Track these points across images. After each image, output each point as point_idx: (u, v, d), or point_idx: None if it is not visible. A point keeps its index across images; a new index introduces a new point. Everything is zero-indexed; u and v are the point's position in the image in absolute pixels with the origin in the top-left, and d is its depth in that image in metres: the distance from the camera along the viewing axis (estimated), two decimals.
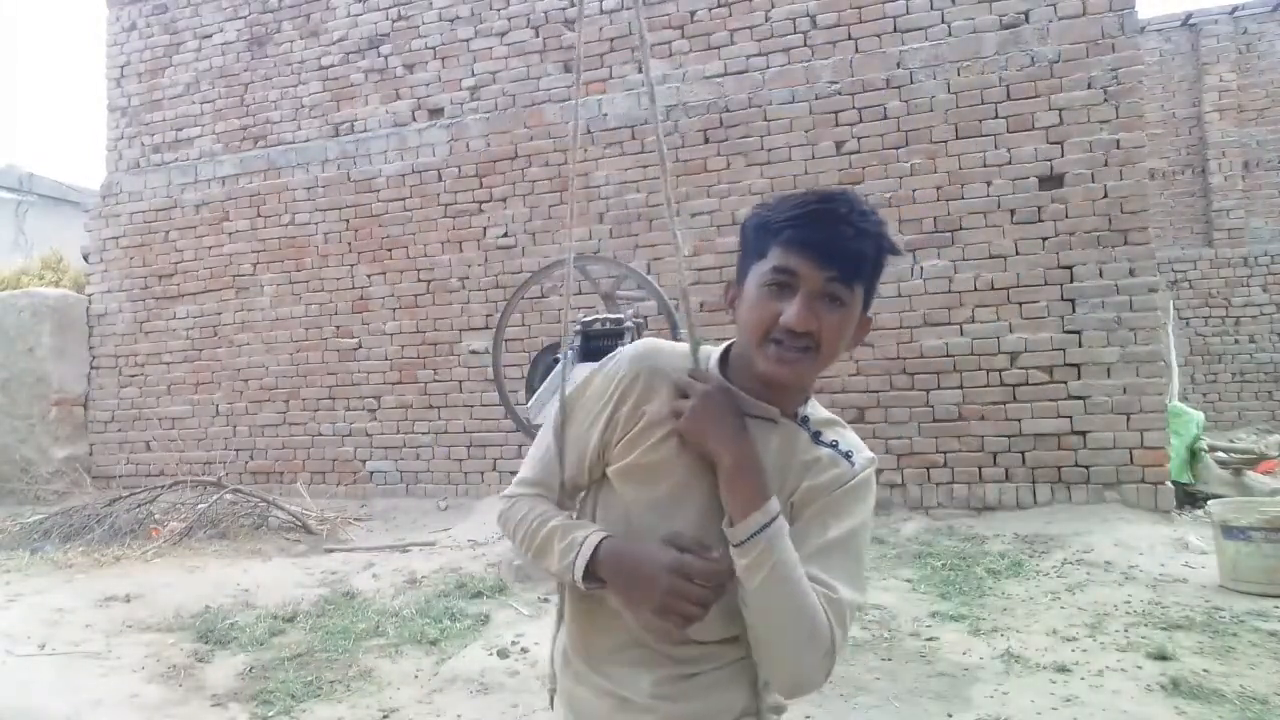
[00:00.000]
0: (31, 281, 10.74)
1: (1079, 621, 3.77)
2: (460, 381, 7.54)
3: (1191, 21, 11.55)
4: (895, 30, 6.52)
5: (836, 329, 1.11)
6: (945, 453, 6.15)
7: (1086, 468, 5.84)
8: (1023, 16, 6.21)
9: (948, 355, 6.19)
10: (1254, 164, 11.36)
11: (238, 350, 8.35)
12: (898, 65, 6.43)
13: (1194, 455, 6.34)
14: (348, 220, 8.04)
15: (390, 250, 7.87)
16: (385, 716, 3.19)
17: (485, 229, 7.53)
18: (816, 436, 1.18)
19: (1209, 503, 4.80)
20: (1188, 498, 6.01)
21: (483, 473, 7.37)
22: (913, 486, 6.20)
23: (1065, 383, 5.94)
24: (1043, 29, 6.13)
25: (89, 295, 9.05)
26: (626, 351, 1.23)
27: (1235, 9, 11.41)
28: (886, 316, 6.35)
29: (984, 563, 4.75)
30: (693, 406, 1.12)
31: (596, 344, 4.57)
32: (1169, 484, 5.73)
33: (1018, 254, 6.09)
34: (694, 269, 6.70)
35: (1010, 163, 6.14)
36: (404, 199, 7.85)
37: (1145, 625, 3.69)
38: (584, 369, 1.31)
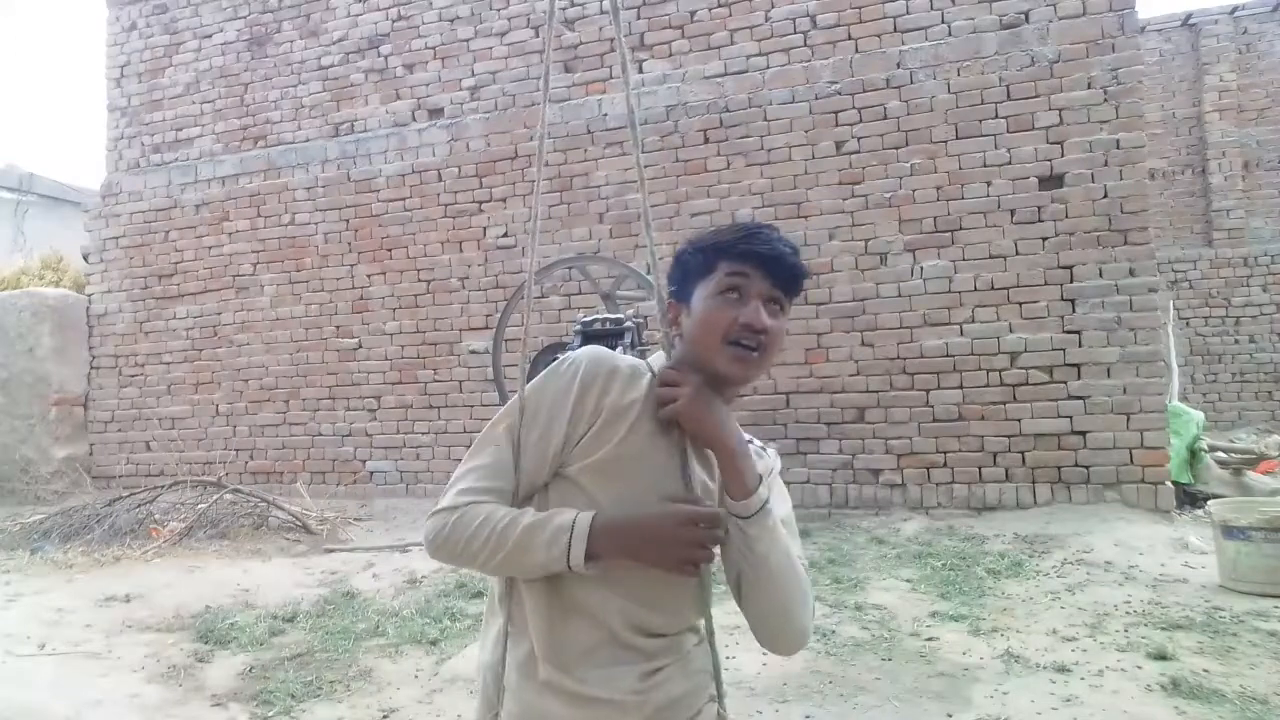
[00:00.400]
0: (31, 281, 10.74)
1: (1079, 621, 3.77)
2: (460, 381, 7.54)
3: (1191, 21, 11.55)
4: (895, 30, 6.52)
5: (779, 333, 1.24)
6: (945, 453, 6.15)
7: (1086, 468, 5.84)
8: (1023, 16, 6.21)
9: (948, 355, 6.19)
10: (1254, 164, 11.36)
11: (238, 350, 8.35)
12: (898, 65, 6.43)
13: (1194, 455, 6.34)
14: (348, 220, 8.04)
15: (390, 250, 7.87)
16: (385, 716, 3.19)
17: (485, 229, 7.53)
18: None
19: (1209, 503, 4.80)
20: (1188, 498, 6.01)
21: None
22: (913, 486, 6.20)
23: (1065, 383, 5.94)
24: (1043, 29, 6.13)
25: (89, 295, 9.05)
26: (579, 352, 1.27)
27: (1235, 9, 11.40)
28: (886, 317, 6.35)
29: (984, 563, 4.75)
30: (690, 394, 1.19)
31: (596, 344, 4.57)
32: (1169, 484, 5.73)
33: (1018, 254, 6.09)
34: None
35: (1010, 163, 6.14)
36: (404, 199, 7.85)
37: (1145, 625, 3.69)
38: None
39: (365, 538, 6.52)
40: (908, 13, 6.49)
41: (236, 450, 8.31)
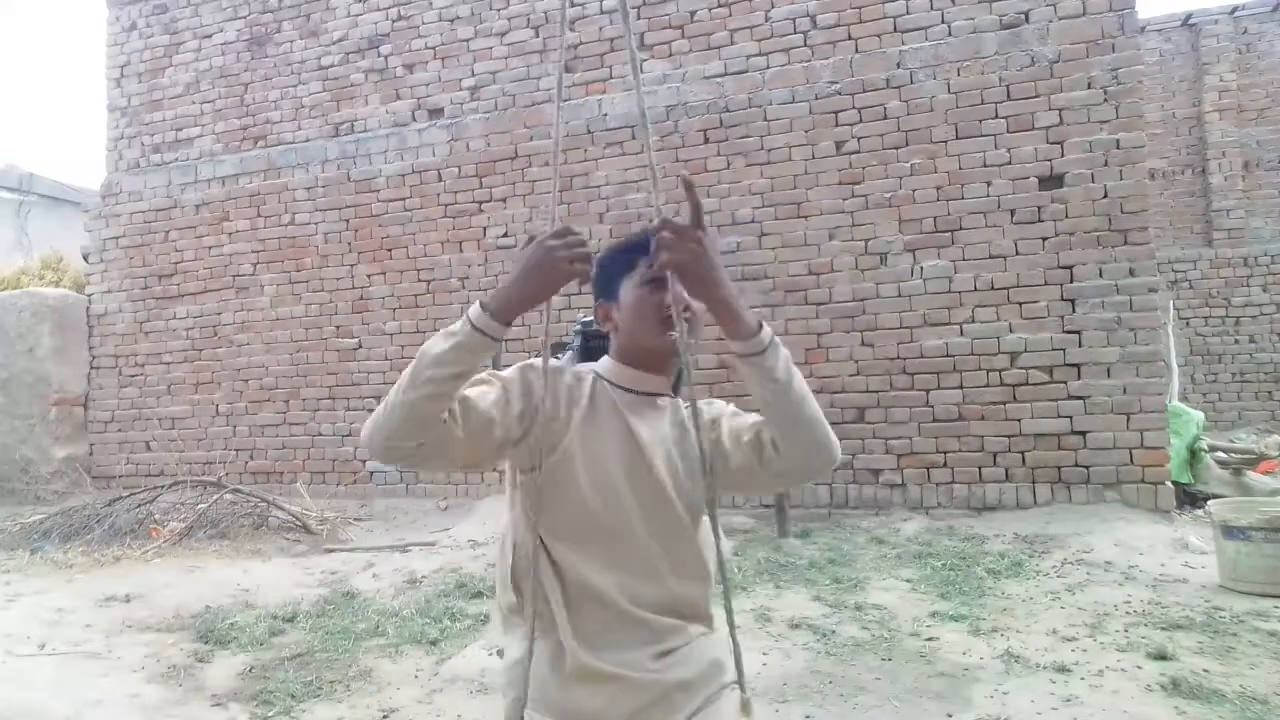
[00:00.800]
0: (31, 281, 10.74)
1: (1079, 621, 3.77)
2: None
3: (1191, 21, 11.55)
4: (895, 30, 6.52)
5: (700, 311, 1.33)
6: (945, 453, 6.15)
7: (1086, 468, 5.84)
8: (1023, 16, 6.21)
9: (948, 355, 6.19)
10: (1254, 164, 11.36)
11: (238, 350, 8.35)
12: (898, 65, 6.43)
13: (1194, 455, 6.34)
14: (348, 220, 8.04)
15: (390, 250, 7.87)
16: (385, 716, 3.18)
17: (485, 229, 7.53)
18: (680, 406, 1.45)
19: (1209, 503, 4.80)
20: (1188, 498, 6.01)
21: (483, 473, 7.37)
22: (913, 486, 6.20)
23: (1065, 383, 5.94)
24: (1043, 29, 6.13)
25: (89, 295, 9.05)
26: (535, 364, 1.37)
27: (1235, 9, 11.40)
28: (886, 317, 6.35)
29: (984, 563, 4.75)
30: (700, 242, 1.22)
31: (596, 344, 4.57)
32: (1169, 484, 5.73)
33: (1018, 254, 6.09)
34: None
35: (1010, 163, 6.14)
36: (404, 199, 7.85)
37: (1145, 625, 3.69)
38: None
39: (365, 538, 6.52)
40: (908, 13, 6.49)
41: (236, 450, 8.31)
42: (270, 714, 3.20)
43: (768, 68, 6.84)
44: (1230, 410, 10.66)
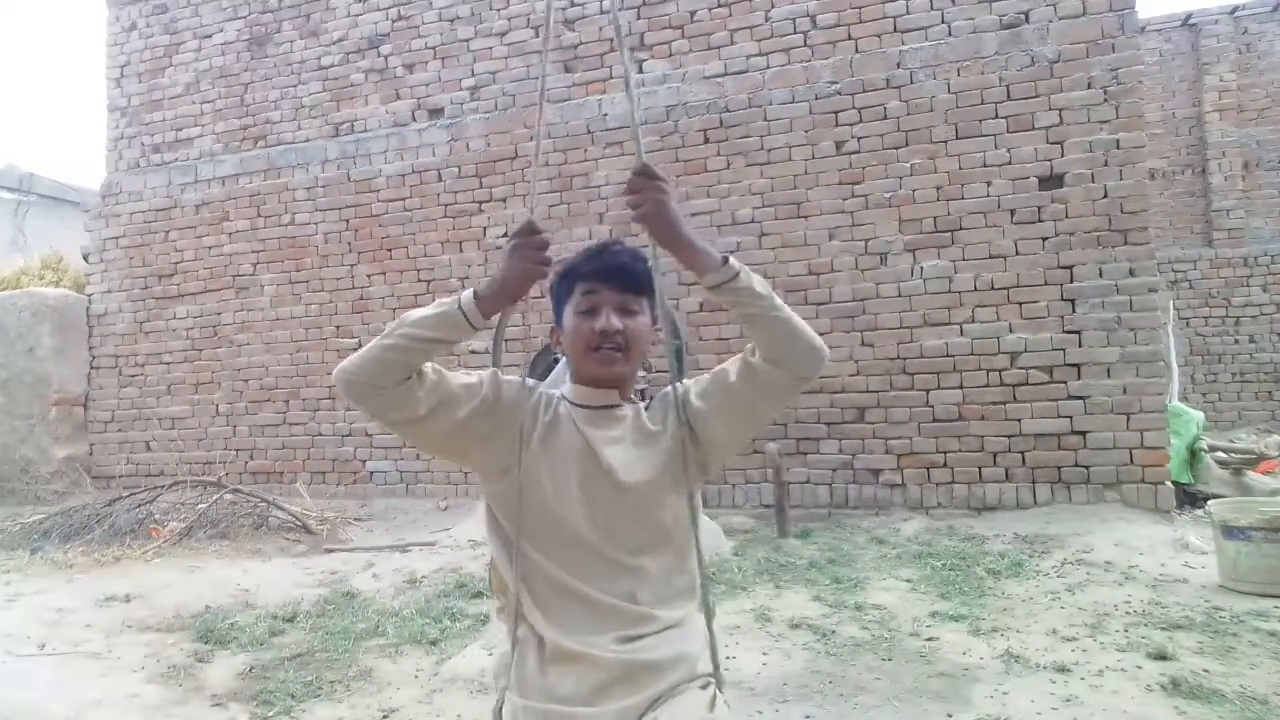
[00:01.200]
0: (31, 281, 10.73)
1: (1079, 621, 3.77)
2: None
3: (1191, 21, 11.54)
4: (895, 30, 6.52)
5: (636, 331, 1.46)
6: (945, 453, 6.15)
7: (1086, 468, 5.84)
8: (1023, 16, 6.21)
9: (948, 355, 6.19)
10: (1254, 164, 11.36)
11: (238, 350, 8.35)
12: (898, 65, 6.43)
13: (1194, 455, 6.34)
14: (348, 220, 8.04)
15: (390, 250, 7.87)
16: (385, 716, 3.18)
17: (485, 229, 7.53)
18: (648, 407, 1.54)
19: (1209, 503, 4.80)
20: (1188, 498, 6.01)
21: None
22: (913, 486, 6.20)
23: (1065, 383, 5.94)
24: (1043, 29, 6.13)
25: (89, 295, 9.05)
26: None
27: (1235, 9, 11.40)
28: (886, 317, 6.35)
29: (984, 563, 4.75)
30: (657, 189, 1.36)
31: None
32: (1169, 484, 5.73)
33: (1018, 254, 6.09)
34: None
35: (1010, 163, 6.14)
36: (404, 199, 7.85)
37: (1145, 625, 3.69)
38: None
39: (365, 538, 6.52)
40: (908, 13, 6.49)
41: (236, 450, 8.31)
42: (270, 714, 3.20)
43: (768, 68, 6.84)
44: (1230, 410, 10.66)
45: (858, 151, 6.50)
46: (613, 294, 1.45)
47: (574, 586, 1.39)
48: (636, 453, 1.44)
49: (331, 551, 6.07)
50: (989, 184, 6.18)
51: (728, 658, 3.46)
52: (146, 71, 9.05)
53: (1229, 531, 4.20)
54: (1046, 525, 5.48)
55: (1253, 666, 3.19)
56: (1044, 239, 6.04)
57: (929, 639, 3.64)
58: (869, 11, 6.59)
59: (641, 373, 1.61)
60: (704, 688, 1.40)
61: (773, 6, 6.86)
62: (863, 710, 3.03)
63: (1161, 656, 3.28)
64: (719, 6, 7.01)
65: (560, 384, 1.58)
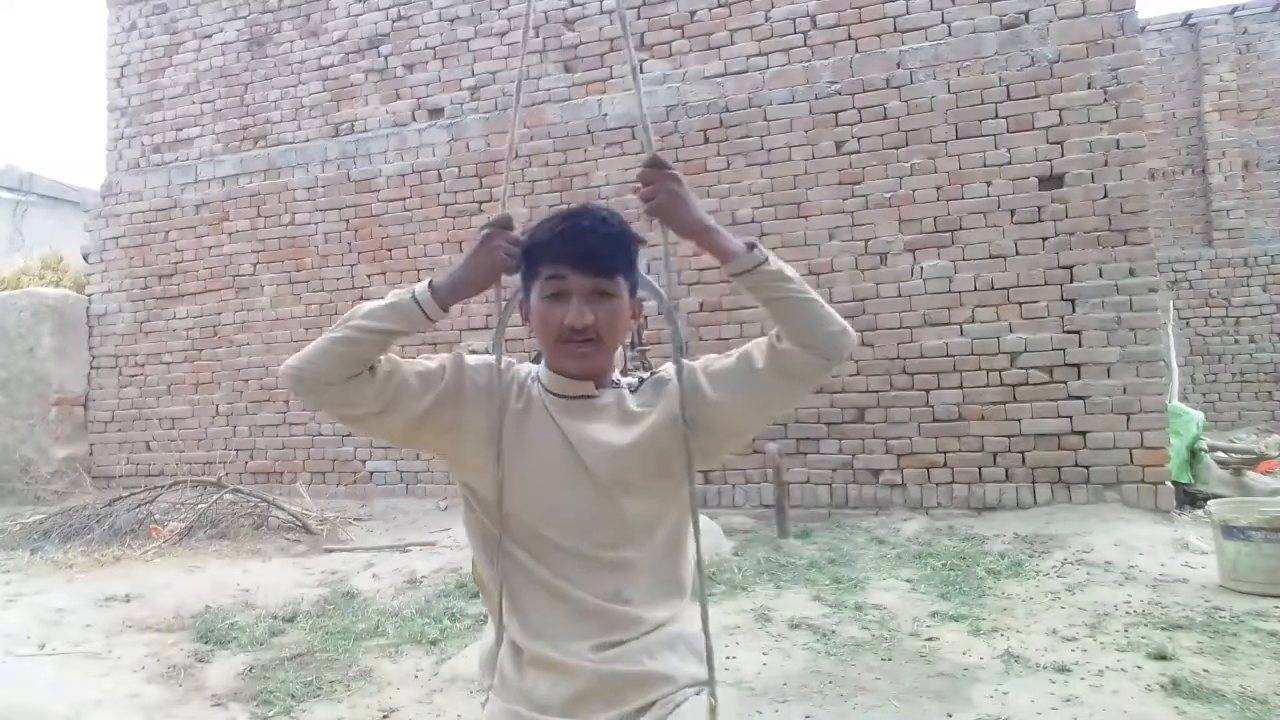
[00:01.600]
0: (31, 281, 10.73)
1: (1079, 621, 3.77)
2: None
3: (1191, 21, 11.54)
4: (895, 30, 6.52)
5: (611, 317, 1.35)
6: (945, 453, 6.15)
7: (1086, 468, 5.84)
8: (1023, 16, 6.21)
9: (948, 355, 6.19)
10: (1254, 164, 11.36)
11: (238, 350, 8.35)
12: (898, 65, 6.43)
13: (1194, 455, 6.33)
14: (348, 220, 8.04)
15: (390, 250, 7.87)
16: (385, 716, 3.18)
17: None
18: (634, 388, 1.43)
19: (1209, 503, 4.80)
20: (1188, 498, 6.00)
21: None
22: (913, 486, 6.20)
23: (1065, 383, 5.94)
24: (1043, 29, 6.13)
25: (89, 295, 9.05)
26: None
27: (1235, 9, 11.40)
28: (886, 317, 6.35)
29: (984, 563, 4.75)
30: (670, 179, 1.32)
31: None
32: (1169, 484, 5.73)
33: (1018, 254, 6.09)
34: (694, 269, 6.70)
35: (1010, 163, 6.14)
36: (404, 199, 7.85)
37: (1145, 625, 3.69)
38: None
39: (365, 538, 6.52)
40: (908, 13, 6.49)
41: (236, 450, 8.31)
42: (270, 714, 3.20)
43: (768, 68, 6.84)
44: (1230, 410, 10.66)
45: (858, 151, 6.50)
46: (583, 279, 1.32)
47: (555, 585, 1.32)
48: (619, 443, 1.34)
49: (331, 551, 6.07)
50: (989, 184, 6.18)
51: (728, 658, 3.46)
52: (146, 71, 9.05)
53: (1229, 531, 4.20)
54: (1046, 525, 5.48)
55: (1253, 666, 3.19)
56: (1044, 239, 6.04)
57: (929, 639, 3.64)
58: (869, 11, 6.59)
59: (630, 353, 1.56)
60: (698, 694, 1.32)
61: (773, 6, 6.86)
62: (863, 710, 3.03)
63: (1161, 656, 3.28)
64: (719, 6, 7.01)
65: None
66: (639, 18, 7.18)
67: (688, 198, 1.32)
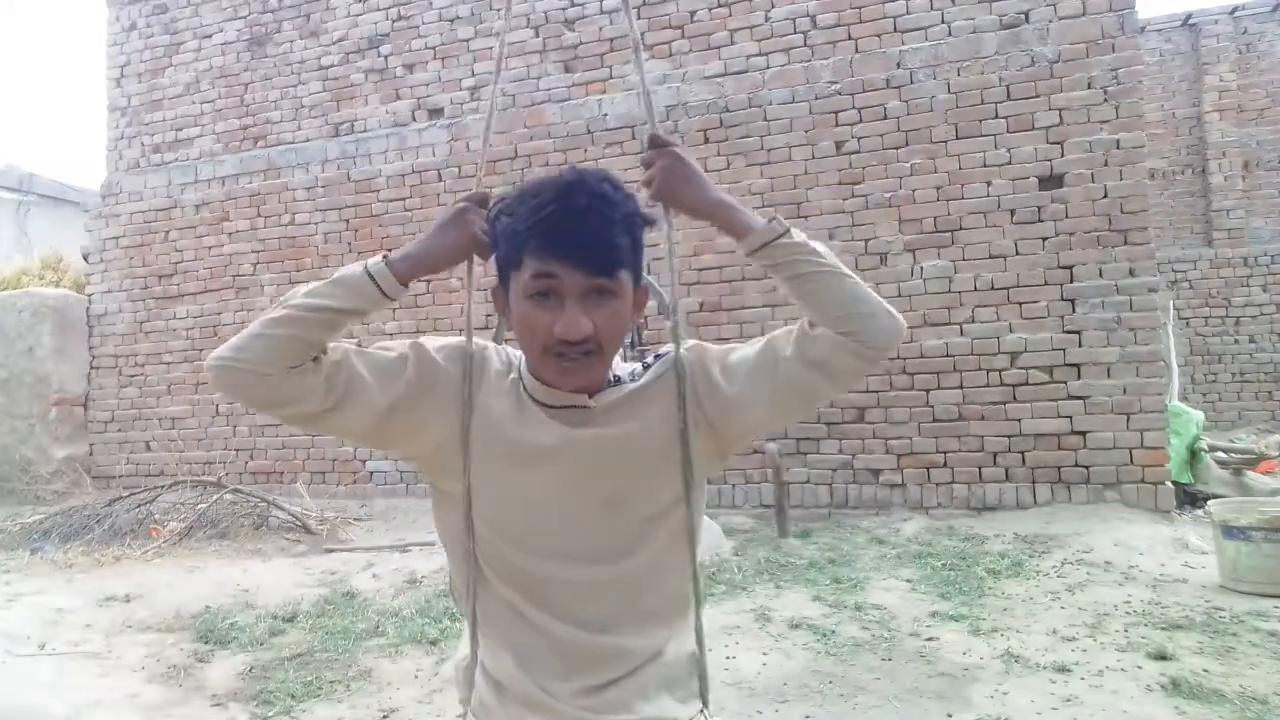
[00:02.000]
0: (31, 281, 10.73)
1: (1079, 621, 3.77)
2: None
3: (1191, 21, 11.55)
4: (895, 30, 6.52)
5: (612, 321, 1.10)
6: (945, 453, 6.15)
7: (1086, 468, 5.84)
8: (1023, 16, 6.21)
9: (948, 355, 6.19)
10: (1254, 164, 11.36)
11: None
12: (898, 65, 6.42)
13: (1194, 455, 6.33)
14: (348, 220, 8.04)
15: (390, 250, 7.85)
16: (385, 716, 3.19)
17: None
18: (635, 376, 1.20)
19: (1209, 503, 4.80)
20: (1188, 498, 6.01)
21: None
22: (913, 486, 6.19)
23: (1065, 383, 5.94)
24: (1043, 29, 6.13)
25: (89, 295, 9.05)
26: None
27: (1235, 9, 11.41)
28: None
29: (984, 563, 4.75)
30: (669, 156, 1.16)
31: None
32: (1169, 484, 5.73)
33: (1018, 254, 6.09)
34: (694, 269, 6.70)
35: (1010, 163, 6.14)
36: (404, 199, 7.85)
37: (1145, 625, 3.69)
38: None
39: (365, 538, 6.52)
40: (908, 13, 6.49)
41: (236, 450, 8.31)
42: (270, 714, 3.20)
43: (768, 68, 6.84)
44: (1230, 410, 10.66)
45: (858, 151, 6.50)
46: (578, 278, 1.07)
47: (530, 615, 1.13)
48: (612, 453, 1.14)
49: (331, 551, 6.07)
50: (989, 184, 6.17)
51: (727, 658, 3.46)
52: (146, 71, 9.05)
53: (1229, 531, 4.20)
54: (1046, 525, 5.48)
55: (1253, 666, 3.19)
56: (1044, 239, 6.04)
57: (929, 639, 3.64)
58: (869, 11, 6.59)
59: (630, 354, 1.30)
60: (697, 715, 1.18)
61: (773, 6, 6.86)
62: (863, 710, 3.03)
63: (1161, 656, 3.28)
64: (719, 6, 7.01)
65: None
66: (639, 18, 7.17)
67: (692, 174, 1.15)
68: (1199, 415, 6.60)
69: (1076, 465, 5.86)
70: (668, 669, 1.16)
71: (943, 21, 6.40)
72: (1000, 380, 6.07)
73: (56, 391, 8.72)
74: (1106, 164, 5.92)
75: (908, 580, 4.51)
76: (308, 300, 1.11)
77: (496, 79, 1.41)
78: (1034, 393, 5.99)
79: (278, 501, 6.86)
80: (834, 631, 3.77)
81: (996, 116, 6.18)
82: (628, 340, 5.45)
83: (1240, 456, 6.87)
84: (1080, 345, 5.93)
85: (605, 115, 7.20)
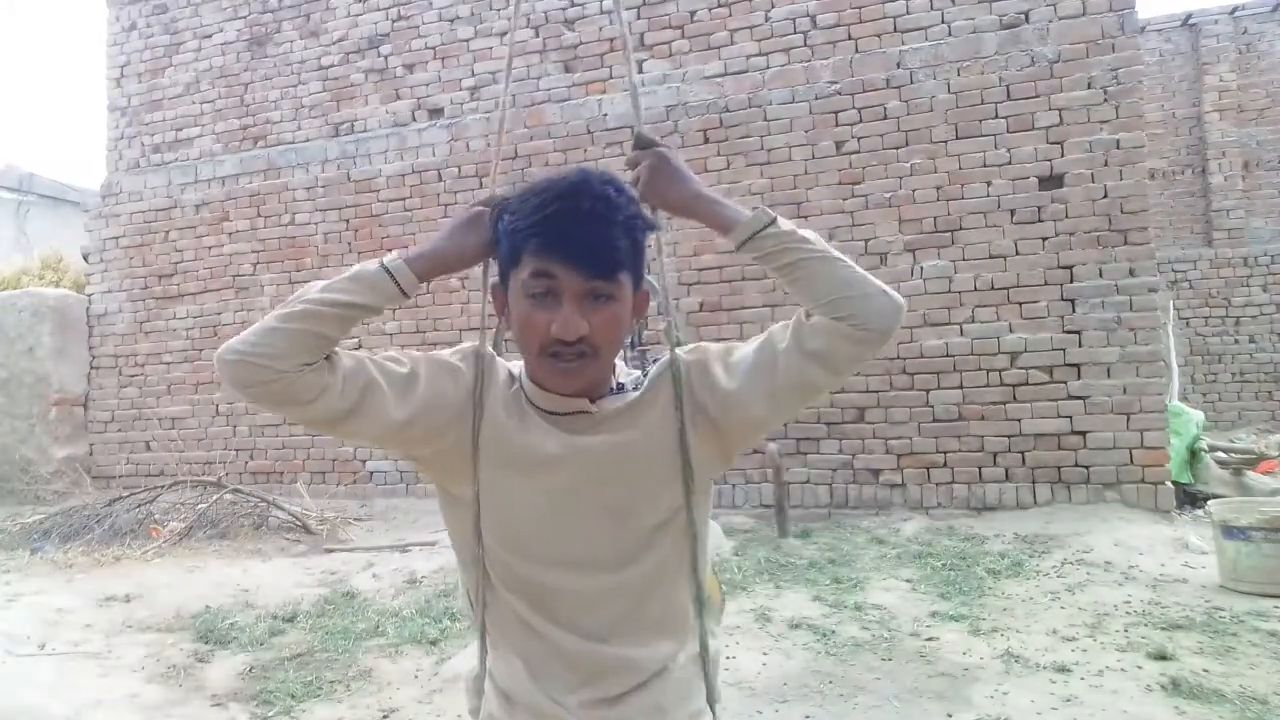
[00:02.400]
0: (31, 281, 10.74)
1: (1079, 621, 3.77)
2: None
3: (1191, 21, 11.55)
4: (895, 30, 6.52)
5: (609, 324, 1.10)
6: (945, 453, 6.15)
7: (1086, 468, 5.84)
8: (1023, 16, 6.21)
9: (948, 355, 6.19)
10: (1254, 164, 11.36)
11: None
12: (898, 65, 6.43)
13: (1194, 455, 6.33)
14: (348, 220, 8.04)
15: (390, 250, 7.83)
16: (385, 716, 3.19)
17: None
18: (638, 384, 1.20)
19: (1209, 503, 4.80)
20: (1188, 498, 6.01)
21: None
22: (913, 486, 6.20)
23: (1065, 383, 5.94)
24: (1043, 29, 6.13)
25: (89, 295, 9.05)
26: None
27: (1235, 9, 11.41)
28: None
29: (984, 563, 4.75)
30: (651, 156, 1.17)
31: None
32: (1169, 484, 5.73)
33: (1018, 254, 6.09)
34: (694, 269, 6.70)
35: (1010, 163, 6.14)
36: (404, 199, 7.85)
37: (1145, 625, 3.69)
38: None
39: (365, 538, 6.52)
40: (908, 13, 6.49)
41: (236, 450, 8.31)
42: (270, 714, 3.20)
43: (768, 68, 6.84)
44: (1230, 410, 10.66)
45: (858, 151, 6.50)
46: (577, 279, 1.07)
47: (535, 624, 1.14)
48: (614, 462, 1.13)
49: (331, 551, 6.07)
50: (989, 184, 6.18)
51: (728, 658, 3.46)
52: (146, 71, 9.05)
53: (1229, 531, 4.20)
54: (1046, 525, 5.48)
55: (1253, 666, 3.19)
56: (1044, 239, 6.04)
57: (929, 639, 3.64)
58: (869, 11, 6.59)
59: (630, 354, 1.29)
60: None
61: (773, 6, 6.86)
62: (863, 710, 3.03)
63: (1161, 656, 3.28)
64: (719, 6, 7.01)
65: None
66: (639, 18, 7.18)
67: (674, 171, 1.15)
68: (1199, 415, 6.60)
69: (1076, 465, 5.86)
70: (677, 685, 1.16)
71: (943, 21, 6.41)
72: (1000, 380, 6.07)
73: (56, 391, 8.72)
74: (1106, 164, 5.92)
75: (908, 580, 4.51)
76: (324, 295, 1.10)
77: (507, 81, 1.42)
78: (1034, 393, 5.99)
79: (278, 501, 6.86)
80: (834, 631, 3.77)
81: (996, 116, 6.18)
82: (627, 341, 5.45)
83: (1240, 456, 6.87)
84: (1080, 345, 5.93)
85: (605, 115, 7.20)
